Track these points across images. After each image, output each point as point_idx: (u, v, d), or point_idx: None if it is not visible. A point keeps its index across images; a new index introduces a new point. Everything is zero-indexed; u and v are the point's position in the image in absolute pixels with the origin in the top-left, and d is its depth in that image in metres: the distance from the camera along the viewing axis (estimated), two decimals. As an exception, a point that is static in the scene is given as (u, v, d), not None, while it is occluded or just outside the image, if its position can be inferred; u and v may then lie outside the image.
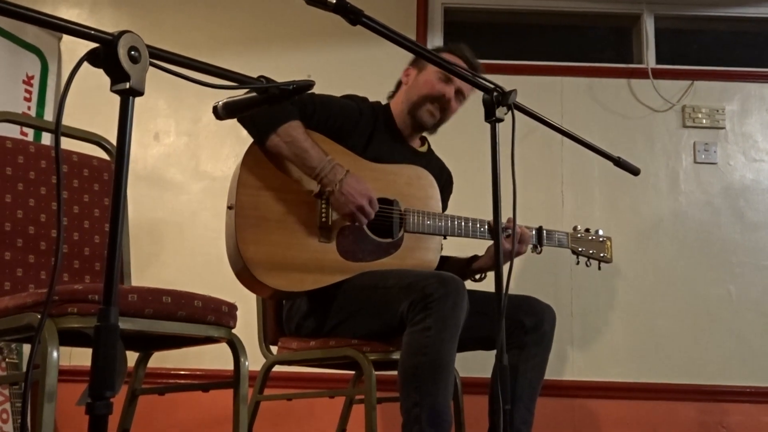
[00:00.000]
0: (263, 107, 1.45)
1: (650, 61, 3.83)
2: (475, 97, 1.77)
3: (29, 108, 3.56)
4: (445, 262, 2.58)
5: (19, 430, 2.98)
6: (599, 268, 2.72)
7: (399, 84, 2.62)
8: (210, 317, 1.94)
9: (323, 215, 2.26)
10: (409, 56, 2.56)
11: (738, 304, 3.56)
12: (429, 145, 2.69)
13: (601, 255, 2.68)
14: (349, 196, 2.20)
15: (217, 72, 1.31)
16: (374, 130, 2.46)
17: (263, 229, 2.18)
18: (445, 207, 2.63)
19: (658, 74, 3.76)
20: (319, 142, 2.24)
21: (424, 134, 2.64)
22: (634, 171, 2.15)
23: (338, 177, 2.20)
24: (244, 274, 2.17)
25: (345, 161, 2.29)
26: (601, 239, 2.69)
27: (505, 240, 2.36)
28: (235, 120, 2.00)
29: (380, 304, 2.19)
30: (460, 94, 2.51)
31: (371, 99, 2.58)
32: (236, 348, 2.00)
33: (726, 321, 3.54)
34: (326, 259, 2.26)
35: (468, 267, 2.57)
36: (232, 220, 2.16)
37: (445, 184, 2.66)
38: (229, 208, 2.19)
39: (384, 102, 2.61)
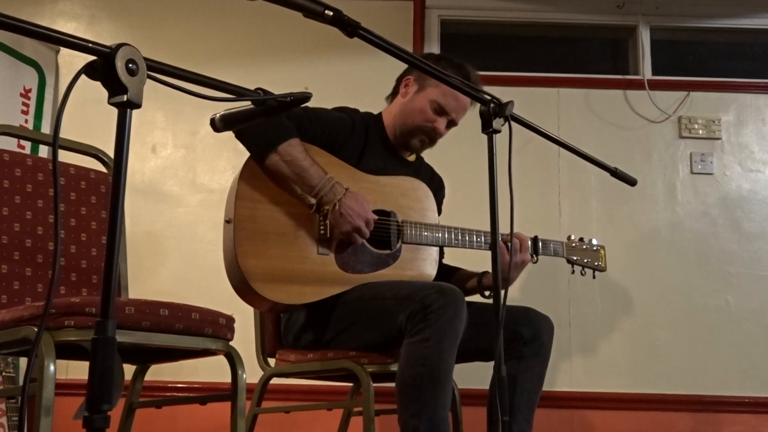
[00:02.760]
0: (261, 121, 1.45)
1: (646, 72, 3.85)
2: (473, 109, 1.77)
3: (27, 121, 3.57)
4: (453, 273, 2.58)
5: (16, 444, 2.97)
6: (594, 277, 2.74)
7: (397, 91, 2.59)
8: (207, 330, 1.93)
9: (321, 228, 2.25)
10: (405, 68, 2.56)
11: (736, 314, 3.56)
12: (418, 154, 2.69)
13: (596, 264, 2.70)
14: (347, 217, 2.20)
15: (214, 84, 1.31)
16: (367, 142, 2.46)
17: (262, 242, 2.18)
18: (439, 211, 2.64)
19: (654, 85, 3.78)
20: (315, 155, 2.25)
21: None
22: (631, 182, 2.16)
23: (337, 196, 2.20)
24: (243, 288, 2.16)
25: (342, 173, 2.29)
26: (595, 248, 2.71)
27: (504, 251, 2.35)
28: (232, 132, 2.00)
29: (378, 315, 2.18)
30: (452, 124, 2.51)
31: (370, 111, 2.58)
32: (234, 360, 1.99)
33: (724, 331, 3.54)
34: (325, 271, 2.26)
35: (480, 283, 2.53)
36: (231, 234, 2.16)
37: (438, 189, 2.66)
38: (227, 222, 2.18)
39: (383, 104, 2.60)
